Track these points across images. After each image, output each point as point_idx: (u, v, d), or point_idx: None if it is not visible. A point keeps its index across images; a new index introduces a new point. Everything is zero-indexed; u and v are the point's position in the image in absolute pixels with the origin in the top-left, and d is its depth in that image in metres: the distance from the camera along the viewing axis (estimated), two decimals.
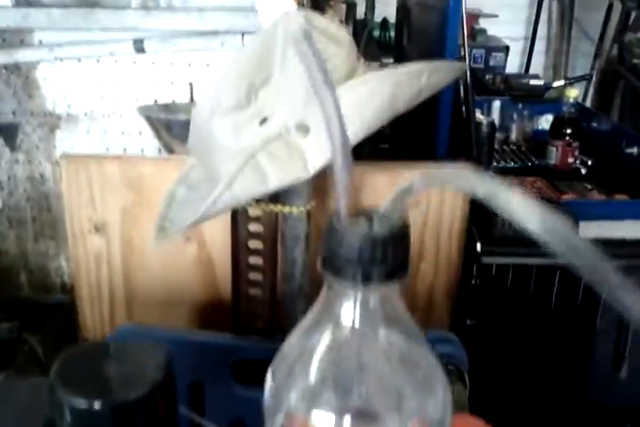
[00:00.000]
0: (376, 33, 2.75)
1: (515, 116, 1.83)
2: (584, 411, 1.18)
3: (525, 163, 1.63)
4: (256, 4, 0.78)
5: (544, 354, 1.13)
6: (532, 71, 2.75)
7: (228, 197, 0.55)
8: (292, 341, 0.26)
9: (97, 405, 0.33)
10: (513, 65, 2.68)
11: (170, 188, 0.72)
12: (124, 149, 0.95)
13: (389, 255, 0.23)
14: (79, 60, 0.90)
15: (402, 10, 2.18)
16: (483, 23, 2.87)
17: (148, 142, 0.94)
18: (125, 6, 0.82)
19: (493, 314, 1.15)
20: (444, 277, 0.86)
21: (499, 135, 1.81)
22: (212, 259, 0.84)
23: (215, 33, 0.84)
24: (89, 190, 0.83)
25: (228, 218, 0.76)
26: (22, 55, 0.88)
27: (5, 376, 0.79)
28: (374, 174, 0.80)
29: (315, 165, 0.55)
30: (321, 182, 0.69)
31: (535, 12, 2.67)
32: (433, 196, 0.80)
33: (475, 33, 2.69)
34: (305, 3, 0.86)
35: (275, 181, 0.54)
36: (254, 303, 0.76)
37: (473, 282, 1.14)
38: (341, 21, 1.31)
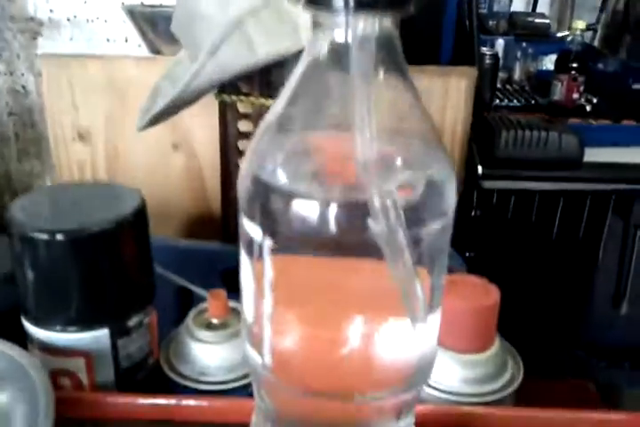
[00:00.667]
0: None
1: (519, 55, 1.77)
2: (583, 349, 1.16)
3: (529, 101, 1.59)
4: None
5: (543, 289, 1.10)
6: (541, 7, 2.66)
7: (213, 68, 0.51)
8: (268, 125, 0.22)
9: (60, 237, 0.29)
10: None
11: (155, 82, 0.68)
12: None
13: None
14: None
15: None
16: None
17: (134, 51, 0.89)
18: None
19: (493, 246, 1.12)
20: None
21: (502, 74, 1.76)
22: (200, 168, 0.81)
23: None
24: (71, 94, 0.78)
25: (215, 120, 0.71)
26: None
27: None
28: None
29: (308, 35, 0.51)
30: None
31: None
32: (435, 98, 0.76)
33: None
34: None
35: (263, 49, 0.50)
36: None
37: (473, 213, 1.11)
38: None
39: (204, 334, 0.37)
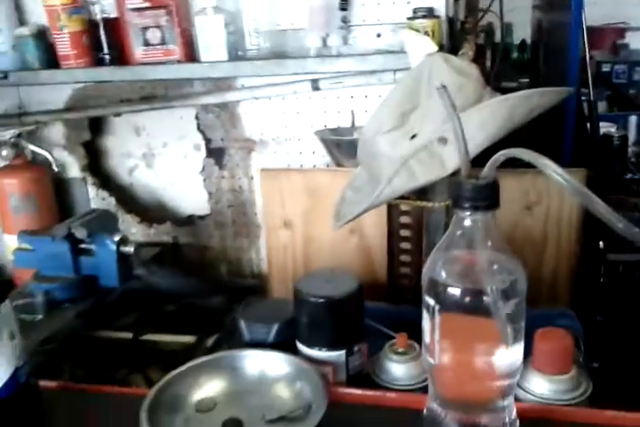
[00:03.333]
0: (514, 55, 2.89)
1: None
2: None
3: None
4: (406, 48, 1.02)
5: None
6: None
7: (389, 191, 0.78)
8: (435, 250, 0.48)
9: (321, 300, 0.56)
10: None
11: (341, 191, 0.97)
12: (301, 165, 1.22)
13: (487, 196, 0.44)
14: (270, 99, 1.19)
15: (537, 31, 2.32)
16: (630, 37, 2.89)
17: (319, 159, 1.20)
18: (306, 55, 1.09)
19: (622, 310, 1.24)
20: (566, 264, 1.02)
21: (636, 148, 1.89)
22: (369, 247, 1.07)
23: (373, 72, 1.08)
24: (280, 196, 1.10)
25: (382, 214, 0.99)
26: (230, 96, 1.19)
27: (217, 339, 1.06)
28: (504, 178, 0.99)
29: (451, 166, 0.77)
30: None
31: None
32: (553, 193, 0.97)
33: (618, 48, 2.74)
34: (445, 44, 1.08)
35: (422, 178, 0.77)
36: (404, 279, 0.97)
37: (601, 280, 1.26)
38: (480, 52, 1.50)
39: (395, 357, 0.62)
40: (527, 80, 2.17)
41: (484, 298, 0.44)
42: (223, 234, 1.31)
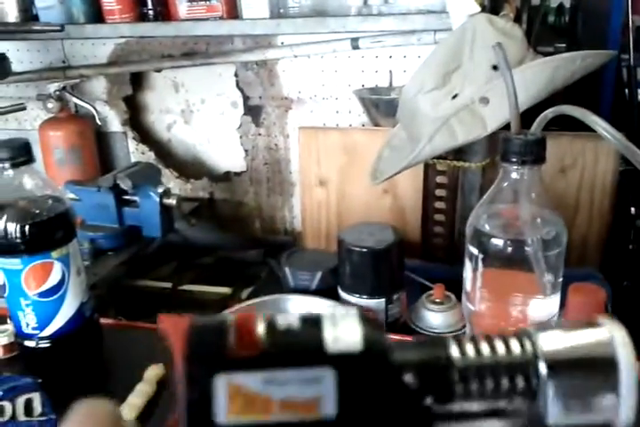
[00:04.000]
0: (551, 18, 2.82)
1: None
2: None
3: None
4: (447, 8, 1.02)
5: None
6: None
7: (429, 149, 0.80)
8: (481, 202, 0.51)
9: (365, 250, 0.59)
10: None
11: (378, 149, 0.99)
12: (337, 124, 1.24)
13: (535, 151, 0.46)
14: (309, 57, 1.19)
15: None
16: None
17: (355, 119, 1.21)
18: (347, 14, 1.10)
19: None
20: (597, 229, 1.03)
21: None
22: (403, 207, 1.10)
23: (413, 32, 1.09)
24: (316, 154, 1.12)
25: (417, 174, 1.01)
26: (270, 54, 1.20)
27: (252, 291, 1.11)
28: None
29: (492, 126, 0.78)
30: (493, 144, 0.92)
31: None
32: (588, 158, 0.98)
33: None
34: (486, 4, 1.08)
35: (462, 137, 0.78)
36: (438, 238, 1.00)
37: (630, 246, 1.28)
38: (517, 15, 1.48)
39: (431, 306, 0.66)
40: (564, 45, 2.13)
41: (526, 249, 0.47)
42: (258, 191, 1.34)
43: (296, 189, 1.28)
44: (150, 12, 1.15)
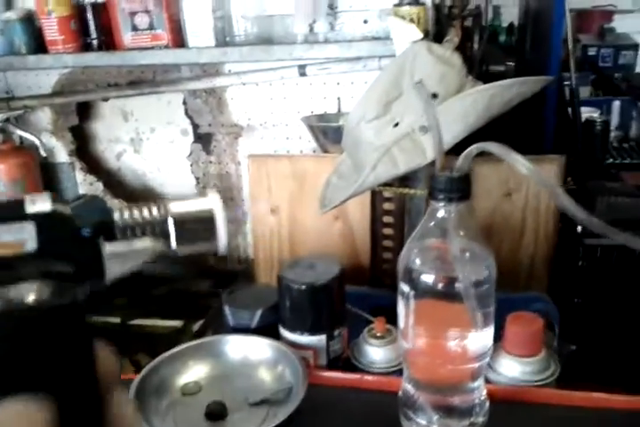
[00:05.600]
0: (502, 38, 2.88)
1: (634, 114, 1.91)
2: None
3: None
4: (391, 35, 1.03)
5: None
6: None
7: (373, 178, 0.80)
8: (411, 238, 0.50)
9: (304, 287, 0.58)
10: None
11: (327, 177, 0.99)
12: (288, 151, 1.23)
13: (461, 188, 0.46)
14: (257, 84, 1.19)
15: (524, 14, 2.33)
16: (617, 20, 2.88)
17: (306, 145, 1.21)
18: (293, 41, 1.10)
19: (599, 293, 1.27)
20: (543, 250, 1.04)
21: (618, 133, 1.92)
22: (353, 232, 1.09)
23: (359, 58, 1.10)
24: (267, 181, 1.11)
25: (365, 200, 1.01)
26: (217, 81, 1.19)
27: (203, 324, 1.09)
28: (483, 165, 1.01)
29: (432, 154, 0.78)
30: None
31: None
32: (532, 181, 0.99)
33: (604, 32, 2.74)
34: (430, 30, 1.09)
35: (403, 166, 0.78)
36: (387, 264, 1.00)
37: (580, 263, 1.29)
38: (464, 36, 1.51)
39: (373, 341, 0.65)
40: (513, 63, 2.18)
41: (456, 285, 0.46)
42: None
43: (249, 217, 1.27)
44: (94, 42, 1.14)
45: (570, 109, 1.34)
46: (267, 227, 1.14)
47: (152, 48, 1.12)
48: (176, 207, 0.26)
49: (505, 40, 2.65)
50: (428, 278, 0.47)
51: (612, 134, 1.81)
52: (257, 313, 0.64)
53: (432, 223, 0.47)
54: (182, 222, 0.26)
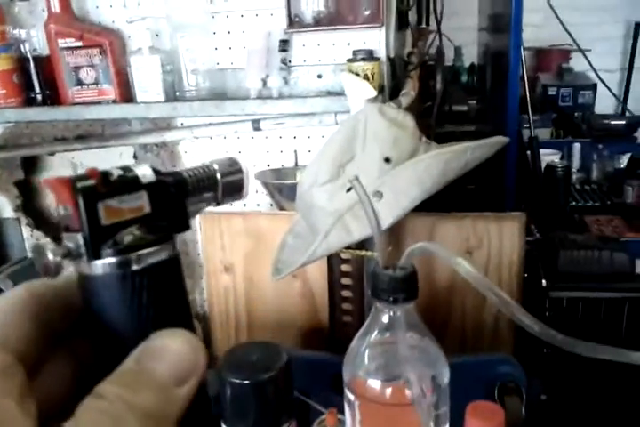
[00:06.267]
0: (464, 78, 2.91)
1: (595, 156, 1.92)
2: None
3: (604, 202, 1.73)
4: (345, 92, 1.01)
5: (617, 384, 1.21)
6: (632, 101, 2.73)
7: (324, 247, 0.76)
8: (356, 339, 0.46)
9: (246, 382, 0.54)
10: (609, 100, 2.66)
11: (282, 237, 0.95)
12: (244, 205, 1.19)
13: (406, 288, 0.42)
14: (211, 138, 1.16)
15: (484, 54, 2.36)
16: (574, 59, 2.95)
17: (262, 199, 1.18)
18: (246, 97, 1.07)
19: None
20: None
21: (580, 175, 1.92)
22: (313, 292, 1.05)
23: (314, 114, 1.07)
24: (220, 239, 1.07)
25: (325, 261, 0.97)
26: (169, 136, 1.16)
27: None
28: (444, 222, 0.98)
29: (387, 221, 0.75)
30: (394, 233, 0.89)
31: (631, 43, 2.73)
32: (492, 238, 0.97)
33: (562, 71, 2.79)
34: (386, 84, 1.08)
35: (357, 234, 0.75)
36: (347, 328, 0.96)
37: (546, 314, 1.27)
38: (415, 92, 1.51)
39: None
40: (475, 102, 2.19)
41: (407, 391, 0.42)
42: None
43: (204, 274, 1.22)
44: (38, 97, 1.09)
45: (529, 154, 1.34)
46: (221, 286, 1.09)
47: (99, 103, 1.08)
48: (218, 166, 0.32)
49: (467, 80, 2.68)
50: (374, 384, 0.43)
51: (574, 177, 1.81)
52: None
53: (377, 324, 0.44)
54: (223, 175, 0.32)
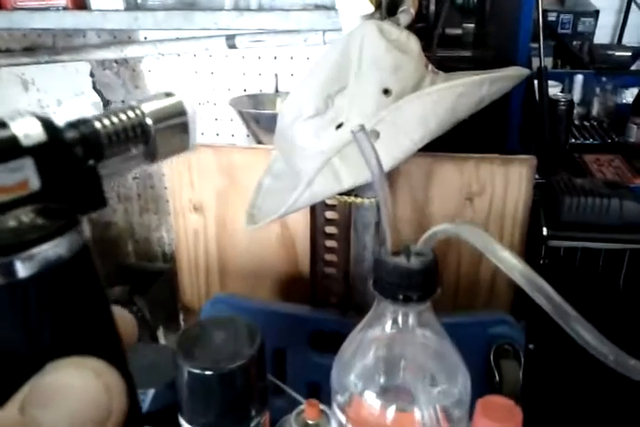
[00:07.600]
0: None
1: (597, 90, 1.79)
2: None
3: (605, 140, 1.62)
4: (337, 5, 0.85)
5: (611, 337, 1.15)
6: (628, 33, 2.60)
7: (308, 196, 0.64)
8: (350, 342, 0.35)
9: (208, 372, 0.43)
10: (606, 30, 2.55)
11: (259, 178, 0.82)
12: (217, 134, 1.06)
13: (422, 283, 0.31)
14: (178, 55, 1.00)
15: None
16: None
17: (238, 128, 1.04)
18: (219, 8, 0.91)
19: (561, 294, 1.18)
20: None
21: (580, 110, 1.79)
22: (293, 239, 0.94)
23: (299, 31, 0.91)
24: (189, 175, 0.94)
25: (308, 210, 0.85)
26: (130, 51, 0.99)
27: None
28: (443, 164, 0.86)
29: (387, 164, 0.63)
30: (388, 177, 0.77)
31: None
32: (497, 185, 0.86)
33: None
34: (383, 1, 0.92)
35: (348, 182, 0.63)
36: (329, 281, 0.85)
37: (541, 262, 1.19)
38: (416, 8, 1.34)
39: None
40: (472, 25, 2.02)
41: (415, 416, 0.32)
42: (128, 209, 1.14)
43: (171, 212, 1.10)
44: None
45: (536, 82, 1.20)
46: (190, 228, 0.98)
47: (47, 9, 0.91)
48: (149, 107, 0.23)
49: (463, 1, 2.47)
50: (373, 407, 0.33)
51: (575, 111, 1.68)
52: (149, 393, 0.48)
53: (380, 328, 0.33)
54: (158, 120, 0.23)
